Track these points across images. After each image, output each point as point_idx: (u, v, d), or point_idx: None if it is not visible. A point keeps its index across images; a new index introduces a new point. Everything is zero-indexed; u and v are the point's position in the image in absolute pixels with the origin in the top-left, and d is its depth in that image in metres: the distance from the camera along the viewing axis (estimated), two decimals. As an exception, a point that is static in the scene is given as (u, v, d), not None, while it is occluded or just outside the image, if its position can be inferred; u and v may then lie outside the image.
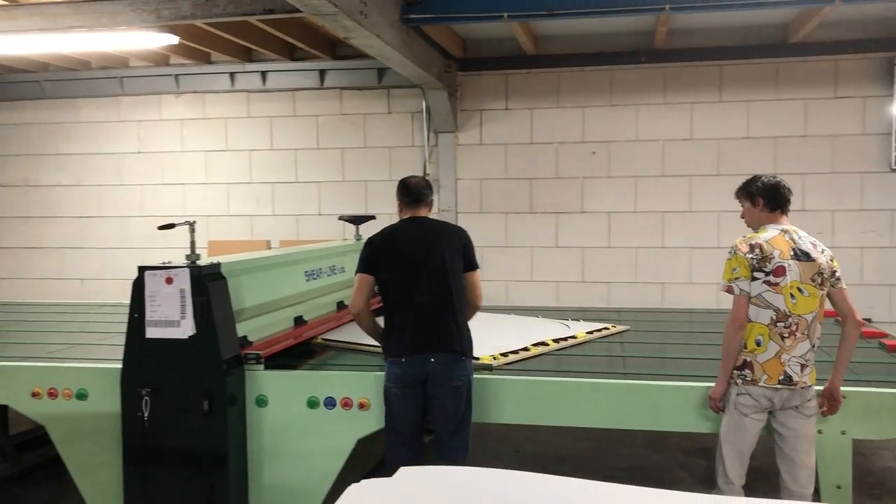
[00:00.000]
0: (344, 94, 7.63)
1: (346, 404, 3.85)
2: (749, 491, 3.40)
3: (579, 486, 2.45)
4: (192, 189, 8.00)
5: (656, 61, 7.01)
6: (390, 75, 7.26)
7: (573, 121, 7.22)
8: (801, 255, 3.34)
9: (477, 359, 3.99)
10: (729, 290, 3.39)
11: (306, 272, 4.96)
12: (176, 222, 3.98)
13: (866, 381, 3.72)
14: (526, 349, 4.36)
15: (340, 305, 5.50)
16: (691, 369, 4.01)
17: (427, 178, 4.07)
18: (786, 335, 3.31)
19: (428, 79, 6.61)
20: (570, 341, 4.65)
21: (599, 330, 4.97)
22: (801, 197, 6.87)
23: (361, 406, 3.84)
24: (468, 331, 3.80)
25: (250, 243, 7.71)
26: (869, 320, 5.48)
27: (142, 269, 3.77)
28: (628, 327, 5.11)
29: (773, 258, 3.30)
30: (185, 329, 3.72)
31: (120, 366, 3.82)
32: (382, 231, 3.91)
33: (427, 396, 3.67)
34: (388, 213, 7.41)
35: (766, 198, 3.49)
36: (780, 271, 3.29)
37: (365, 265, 3.84)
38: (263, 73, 7.66)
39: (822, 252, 3.40)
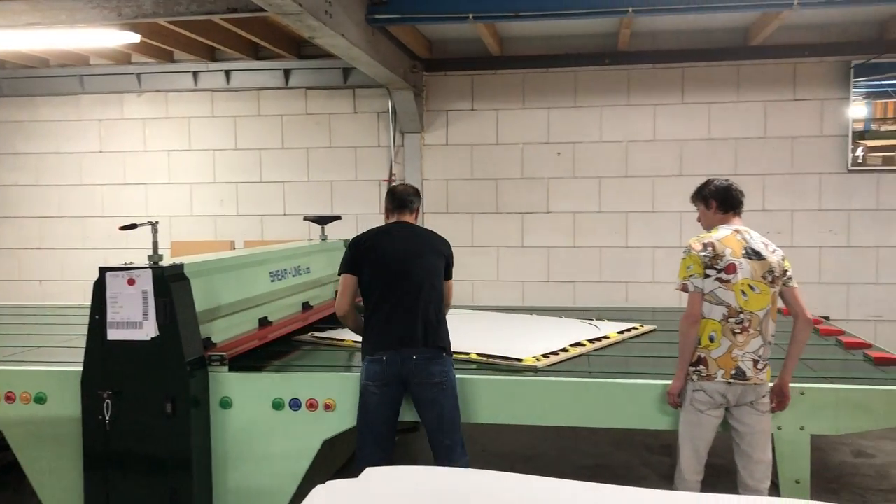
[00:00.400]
0: (309, 94, 7.59)
1: (312, 405, 3.84)
2: (712, 487, 3.45)
3: (546, 485, 2.47)
4: (154, 189, 7.90)
5: (620, 63, 7.08)
6: (356, 75, 7.24)
7: (538, 122, 7.27)
8: (753, 254, 3.44)
9: (520, 360, 4.05)
10: (684, 287, 3.47)
11: (271, 273, 4.93)
12: (138, 222, 3.92)
13: (824, 378, 3.80)
14: (565, 350, 4.36)
15: (306, 306, 5.48)
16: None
17: (401, 182, 4.09)
18: (738, 331, 3.39)
19: (394, 79, 6.60)
20: (605, 341, 4.68)
21: (629, 330, 5.02)
22: (760, 197, 7.00)
23: (327, 407, 3.83)
24: (447, 330, 3.82)
25: (214, 244, 7.63)
26: (826, 318, 5.61)
27: (103, 270, 3.71)
28: (655, 327, 5.15)
29: (725, 256, 3.40)
30: (148, 331, 3.67)
31: (80, 368, 3.76)
32: (367, 232, 3.97)
33: (413, 397, 3.68)
34: (353, 213, 7.47)
35: (718, 200, 3.62)
36: (732, 269, 3.39)
37: (348, 266, 3.88)
38: (227, 73, 7.59)
39: (774, 252, 3.49)
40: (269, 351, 4.42)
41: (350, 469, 4.73)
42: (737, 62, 6.95)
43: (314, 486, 2.41)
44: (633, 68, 7.09)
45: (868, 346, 4.52)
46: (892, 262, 6.88)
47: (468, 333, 4.70)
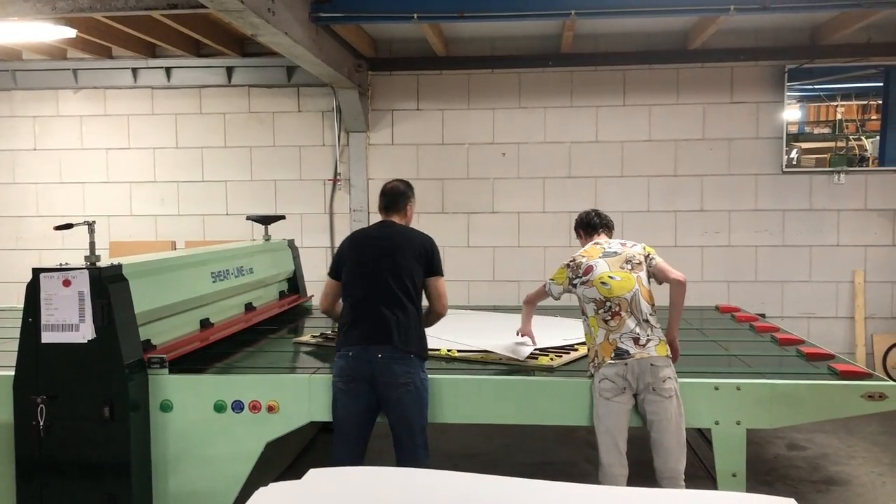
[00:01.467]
0: (252, 92, 7.50)
1: (255, 407, 3.79)
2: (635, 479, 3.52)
3: (490, 483, 2.49)
4: (92, 188, 7.70)
5: (563, 65, 7.16)
6: (300, 74, 7.18)
7: (483, 122, 7.31)
8: (609, 254, 3.88)
9: (535, 358, 4.10)
10: (544, 285, 4.05)
11: (213, 273, 4.85)
12: (74, 222, 3.82)
13: (759, 374, 3.90)
14: (575, 349, 4.37)
15: (249, 307, 5.42)
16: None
17: (394, 179, 4.07)
18: (608, 318, 3.71)
19: (338, 78, 6.56)
20: None
21: None
22: (699, 197, 7.17)
23: (270, 409, 3.79)
24: (422, 333, 3.78)
25: (154, 244, 7.48)
26: (762, 315, 5.78)
27: (36, 272, 3.61)
28: None
29: (583, 263, 3.87)
30: (84, 333, 3.59)
31: (12, 373, 3.65)
32: (353, 233, 4.03)
33: (378, 396, 3.64)
34: (297, 212, 7.41)
35: (582, 228, 4.20)
36: (588, 270, 3.83)
37: (331, 269, 3.95)
38: (168, 70, 7.45)
39: (632, 246, 3.93)
40: (212, 353, 4.35)
41: (296, 470, 4.71)
42: (676, 65, 7.10)
43: (257, 488, 2.38)
44: (575, 70, 7.19)
45: (801, 342, 4.67)
46: (824, 260, 7.11)
47: (480, 332, 4.78)
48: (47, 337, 3.60)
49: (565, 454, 5.48)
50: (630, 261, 3.83)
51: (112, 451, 3.62)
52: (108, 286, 3.60)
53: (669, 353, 3.70)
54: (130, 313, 3.74)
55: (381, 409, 3.69)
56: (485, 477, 2.51)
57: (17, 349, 3.66)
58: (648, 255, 3.91)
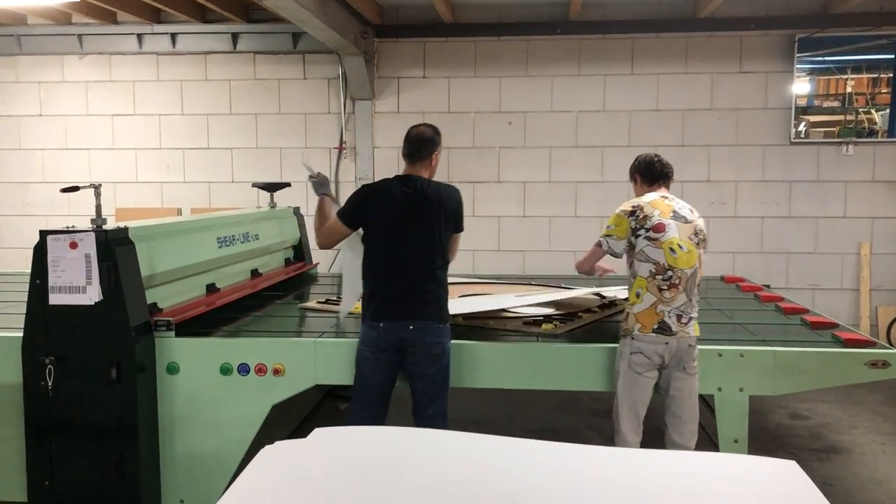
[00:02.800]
0: (257, 59, 7.45)
1: (261, 370, 3.82)
2: (646, 445, 3.55)
3: (499, 443, 2.51)
4: (97, 154, 7.70)
5: (571, 33, 7.10)
6: (305, 40, 7.14)
7: (490, 90, 7.26)
8: (679, 217, 3.59)
9: (539, 325, 4.07)
10: (599, 244, 3.69)
11: (219, 239, 4.86)
12: (81, 186, 3.83)
13: (763, 341, 3.91)
14: (579, 315, 4.34)
15: (255, 273, 5.43)
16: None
17: (420, 124, 3.83)
18: (664, 287, 3.51)
19: (344, 44, 6.52)
20: (613, 308, 4.59)
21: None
22: (706, 168, 7.13)
23: (276, 372, 3.81)
24: (447, 298, 3.72)
25: (160, 210, 7.49)
26: (767, 286, 5.78)
27: (43, 234, 3.62)
28: None
29: (653, 216, 3.56)
30: (91, 295, 3.60)
31: (21, 334, 3.68)
32: (375, 184, 3.78)
33: (406, 365, 3.62)
34: (302, 180, 7.33)
35: (642, 174, 3.84)
36: (660, 227, 3.54)
37: (347, 215, 3.70)
38: (173, 35, 7.40)
39: (699, 218, 3.68)
40: (218, 317, 4.36)
41: (301, 433, 4.75)
42: (685, 34, 7.03)
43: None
44: (583, 38, 7.13)
45: (805, 311, 4.67)
46: (830, 232, 7.09)
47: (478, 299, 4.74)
48: (55, 299, 3.62)
49: (568, 421, 5.52)
50: (697, 234, 3.61)
51: (119, 412, 3.65)
52: (114, 249, 3.61)
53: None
54: (137, 276, 3.75)
55: (406, 377, 3.67)
56: (494, 438, 2.53)
57: (25, 311, 3.68)
58: (705, 238, 3.69)
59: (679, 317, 3.53)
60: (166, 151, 7.62)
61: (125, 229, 3.77)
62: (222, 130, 7.55)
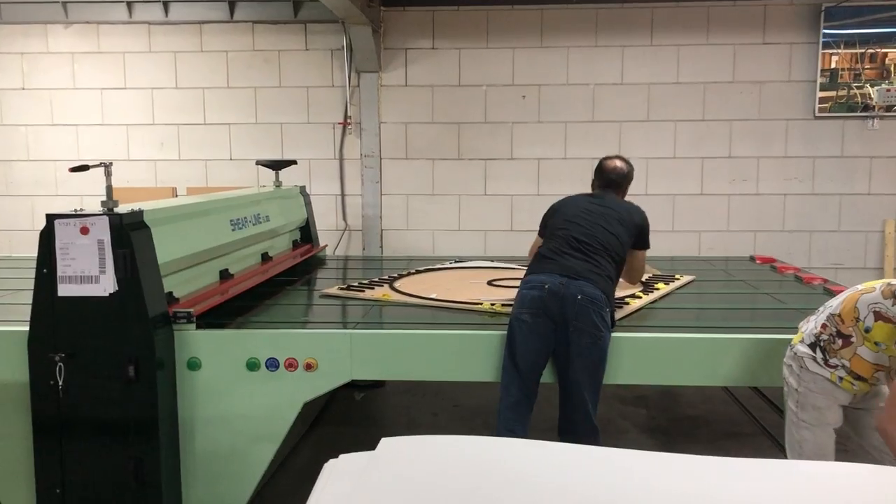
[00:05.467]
0: (256, 29, 7.05)
1: (291, 365, 3.50)
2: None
3: (573, 452, 2.24)
4: (86, 131, 7.26)
5: (587, 2, 6.78)
6: (307, 9, 6.76)
7: (503, 62, 6.93)
8: None
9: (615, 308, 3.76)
10: None
11: (232, 221, 4.52)
12: (90, 164, 3.48)
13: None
14: (626, 302, 4.02)
15: (265, 257, 5.10)
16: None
17: (614, 156, 4.14)
18: None
19: (350, 12, 6.14)
20: (656, 293, 4.30)
21: (674, 279, 4.71)
22: (727, 143, 6.88)
23: (308, 367, 3.50)
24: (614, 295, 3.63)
25: (155, 190, 7.10)
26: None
27: (51, 218, 3.27)
28: (694, 277, 4.87)
29: None
30: (105, 285, 3.26)
31: (26, 328, 3.33)
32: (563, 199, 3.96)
33: (565, 343, 3.35)
34: (305, 157, 7.03)
35: None
36: None
37: (540, 228, 3.95)
38: (166, 4, 6.98)
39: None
40: (235, 306, 4.04)
41: (318, 431, 4.46)
42: (707, 3, 6.74)
43: (288, 448, 2.11)
44: (601, 7, 6.80)
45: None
46: (854, 210, 6.88)
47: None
48: (64, 290, 3.27)
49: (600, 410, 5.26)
50: None
51: (138, 412, 3.33)
52: (130, 234, 3.27)
53: None
54: (154, 264, 3.42)
55: (561, 358, 3.40)
56: (569, 446, 2.26)
57: (21, 302, 3.33)
58: None
59: None
60: (160, 127, 7.21)
61: (140, 212, 3.43)
62: (219, 105, 7.16)
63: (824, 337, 2.93)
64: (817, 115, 6.77)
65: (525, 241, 6.96)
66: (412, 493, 1.95)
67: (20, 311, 3.55)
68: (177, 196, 7.16)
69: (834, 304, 2.99)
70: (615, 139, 6.93)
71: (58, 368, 3.29)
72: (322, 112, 7.11)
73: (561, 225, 3.71)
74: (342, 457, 2.19)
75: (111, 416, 3.34)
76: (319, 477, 2.07)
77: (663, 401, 5.47)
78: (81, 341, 3.31)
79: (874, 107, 6.76)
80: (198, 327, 3.53)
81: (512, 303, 4.06)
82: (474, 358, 3.56)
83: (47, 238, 3.27)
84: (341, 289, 4.56)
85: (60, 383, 3.30)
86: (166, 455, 3.43)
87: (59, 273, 3.26)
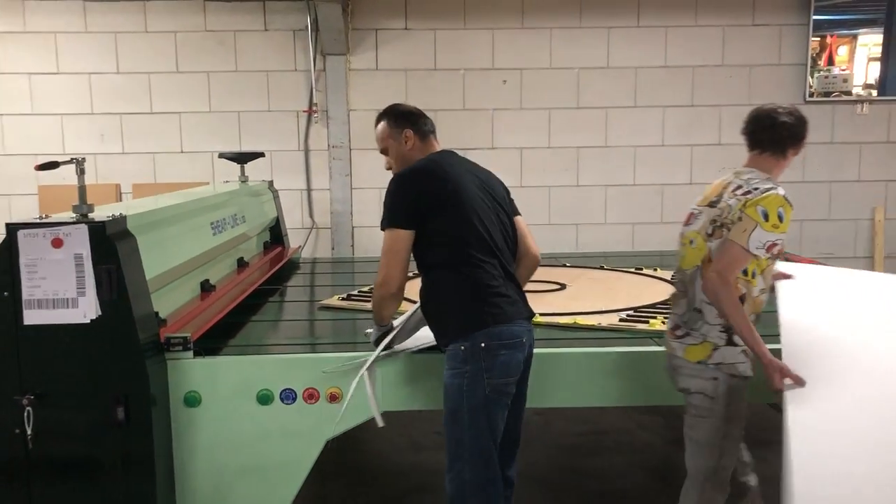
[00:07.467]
0: (208, 7, 6.32)
1: (311, 396, 2.94)
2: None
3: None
4: (12, 121, 6.40)
5: (571, -21, 6.35)
6: (267, -16, 6.11)
7: (482, 44, 6.43)
8: (716, 202, 2.69)
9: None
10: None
11: (212, 224, 3.92)
12: (59, 160, 2.84)
13: None
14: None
15: (241, 263, 4.50)
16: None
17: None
18: (673, 292, 2.91)
19: (319, -12, 5.54)
20: None
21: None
22: (717, 130, 6.58)
23: (332, 398, 2.94)
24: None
25: (95, 188, 6.22)
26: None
27: (12, 228, 2.62)
28: None
29: (693, 206, 2.88)
30: (85, 310, 2.64)
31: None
32: (421, 165, 2.83)
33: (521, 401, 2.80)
34: (266, 149, 6.34)
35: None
36: (688, 218, 2.84)
37: (403, 214, 2.75)
38: (102, -23, 6.20)
39: (739, 195, 2.66)
40: (220, 324, 3.41)
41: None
42: (695, -18, 6.40)
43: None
44: (585, -15, 6.39)
45: None
46: (844, 198, 6.69)
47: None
48: (31, 317, 2.63)
49: (612, 421, 4.86)
50: (715, 221, 2.65)
51: (130, 462, 2.72)
52: (116, 245, 2.64)
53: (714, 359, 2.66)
54: (143, 281, 2.80)
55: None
56: None
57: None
58: (742, 215, 2.56)
59: (676, 327, 2.78)
60: (100, 117, 6.41)
61: (123, 218, 2.80)
62: (168, 92, 6.41)
63: None
64: (808, 99, 6.53)
65: (510, 237, 6.54)
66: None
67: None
68: (121, 195, 6.42)
69: None
70: (601, 126, 6.53)
71: (25, 414, 2.65)
72: (284, 99, 6.46)
73: (469, 218, 2.69)
74: None
75: (94, 469, 2.72)
76: None
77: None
78: (54, 379, 2.68)
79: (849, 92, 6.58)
80: (195, 354, 2.93)
81: (550, 314, 3.61)
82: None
83: (7, 253, 2.61)
84: (342, 299, 4.00)
85: (29, 432, 2.66)
86: (163, 511, 2.83)
87: (25, 297, 2.62)
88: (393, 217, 2.70)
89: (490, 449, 2.65)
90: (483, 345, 2.59)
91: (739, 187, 2.67)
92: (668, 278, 4.32)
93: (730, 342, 2.65)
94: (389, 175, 2.88)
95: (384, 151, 2.97)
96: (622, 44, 6.46)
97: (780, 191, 2.63)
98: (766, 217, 2.54)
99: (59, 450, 2.70)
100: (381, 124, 2.96)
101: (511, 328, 2.66)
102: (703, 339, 2.68)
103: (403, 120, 2.93)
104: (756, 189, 2.63)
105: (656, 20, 6.43)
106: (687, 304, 2.74)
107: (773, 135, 2.79)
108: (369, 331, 2.98)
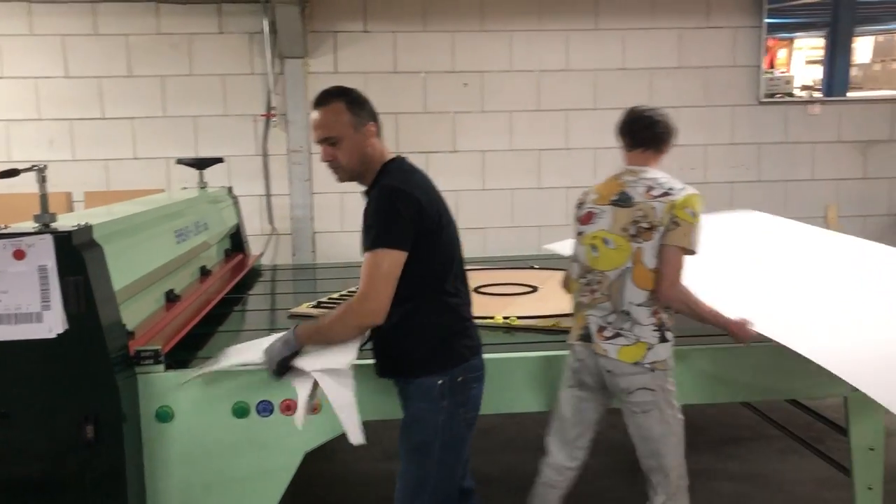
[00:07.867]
0: (161, 9, 6.16)
1: (289, 408, 2.85)
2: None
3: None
4: (-46, 128, 6.16)
5: (529, -18, 6.36)
6: (222, -14, 5.98)
7: (442, 47, 6.39)
8: (623, 200, 2.77)
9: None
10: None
11: (176, 232, 3.79)
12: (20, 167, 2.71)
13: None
14: None
15: (204, 271, 4.37)
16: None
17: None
18: (586, 292, 2.86)
19: (276, -10, 5.44)
20: None
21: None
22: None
23: (311, 409, 2.85)
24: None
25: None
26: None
27: (-30, 239, 2.49)
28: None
29: (585, 204, 2.93)
30: (51, 324, 2.51)
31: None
32: (408, 176, 2.55)
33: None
34: (224, 154, 6.21)
35: (619, 135, 3.01)
36: (587, 218, 2.88)
37: (403, 236, 2.42)
38: (49, -22, 5.99)
39: (663, 195, 2.73)
40: (193, 335, 3.32)
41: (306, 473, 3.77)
42: (652, -16, 6.47)
43: None
44: (543, -12, 6.40)
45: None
46: (799, 197, 6.82)
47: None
48: (-7, 333, 2.50)
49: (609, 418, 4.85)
50: (638, 222, 2.70)
51: (100, 482, 2.60)
52: (83, 256, 2.53)
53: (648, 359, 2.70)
54: (110, 293, 2.69)
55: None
56: None
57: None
58: (676, 219, 2.65)
59: (601, 328, 2.78)
60: (48, 123, 6.19)
61: (89, 227, 2.68)
62: (119, 97, 6.22)
63: None
64: (762, 100, 6.65)
65: (474, 241, 6.51)
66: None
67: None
68: (72, 204, 6.20)
69: None
70: (562, 129, 6.56)
71: (-13, 435, 2.51)
72: (241, 103, 6.33)
73: (453, 243, 2.58)
74: None
75: (62, 490, 2.59)
76: None
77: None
78: (19, 398, 2.55)
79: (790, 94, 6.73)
80: (167, 368, 2.82)
81: (530, 316, 3.60)
82: (498, 385, 3.00)
83: (-34, 266, 2.48)
84: (312, 307, 3.91)
85: (-8, 454, 2.53)
86: (135, 532, 2.71)
87: (-14, 312, 2.48)
88: (391, 236, 2.35)
89: (454, 493, 2.58)
90: (460, 379, 2.49)
91: (651, 188, 2.75)
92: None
93: (662, 339, 2.72)
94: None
95: (332, 141, 2.46)
96: (581, 46, 6.50)
97: (691, 188, 2.78)
98: (694, 216, 2.68)
99: (24, 472, 2.57)
100: (336, 106, 2.47)
101: (479, 360, 2.60)
102: (637, 340, 2.71)
103: (367, 111, 2.54)
104: (671, 189, 2.75)
105: (614, 23, 6.49)
106: (611, 305, 2.74)
107: (653, 133, 2.89)
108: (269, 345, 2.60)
